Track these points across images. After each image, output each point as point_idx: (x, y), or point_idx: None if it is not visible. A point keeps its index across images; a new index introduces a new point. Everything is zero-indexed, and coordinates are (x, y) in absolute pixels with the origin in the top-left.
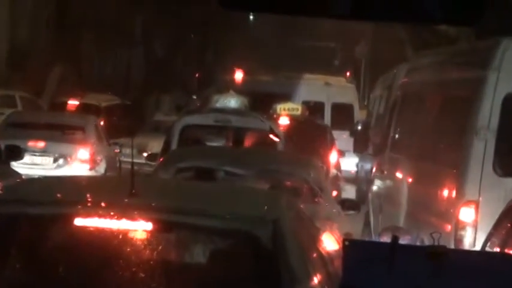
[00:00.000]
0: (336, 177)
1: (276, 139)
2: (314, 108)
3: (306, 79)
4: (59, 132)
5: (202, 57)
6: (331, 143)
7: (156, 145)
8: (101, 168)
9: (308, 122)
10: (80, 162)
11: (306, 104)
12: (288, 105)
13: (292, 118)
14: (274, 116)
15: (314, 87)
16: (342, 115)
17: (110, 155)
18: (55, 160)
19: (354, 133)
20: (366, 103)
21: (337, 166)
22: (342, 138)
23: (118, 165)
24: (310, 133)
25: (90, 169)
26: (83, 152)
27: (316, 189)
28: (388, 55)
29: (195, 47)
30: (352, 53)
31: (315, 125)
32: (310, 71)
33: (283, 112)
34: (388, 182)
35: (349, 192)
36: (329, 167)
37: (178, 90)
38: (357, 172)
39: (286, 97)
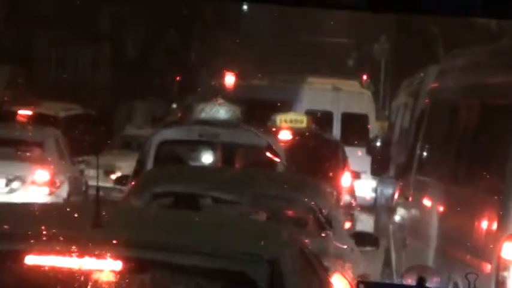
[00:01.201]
0: (349, 205)
1: (275, 158)
2: (320, 120)
3: (310, 83)
4: (12, 149)
5: (184, 57)
6: (343, 162)
7: (126, 165)
8: (63, 193)
9: (315, 136)
10: (37, 185)
11: (311, 114)
12: (290, 115)
13: (296, 132)
14: (273, 129)
15: (320, 93)
16: (355, 128)
17: (74, 176)
18: (7, 183)
19: (371, 151)
20: (386, 114)
21: (351, 191)
22: (356, 156)
23: (84, 188)
24: (318, 150)
25: (50, 194)
26: (41, 173)
27: (324, 219)
28: (414, 55)
29: (175, 44)
30: (370, 51)
31: (323, 141)
32: (317, 73)
33: (284, 124)
34: (414, 211)
35: (366, 223)
36: (340, 193)
37: (155, 97)
38: (375, 199)
39: (287, 106)
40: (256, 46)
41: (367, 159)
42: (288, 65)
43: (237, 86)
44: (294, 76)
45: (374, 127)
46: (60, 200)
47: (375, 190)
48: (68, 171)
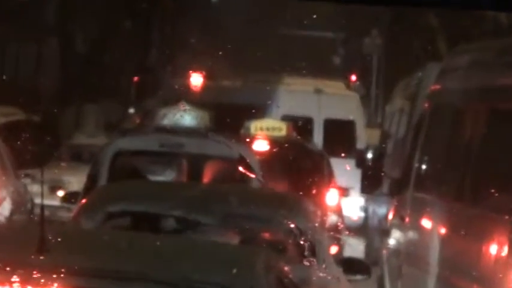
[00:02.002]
0: (336, 227)
1: (249, 172)
2: (299, 127)
3: (287, 84)
4: None
5: (143, 54)
6: (328, 177)
7: (76, 180)
8: (5, 211)
9: (296, 147)
10: None
11: (290, 121)
12: (267, 122)
13: (273, 142)
14: (247, 139)
15: (299, 96)
16: (340, 136)
17: (18, 191)
18: None
19: (361, 163)
20: (379, 120)
21: (338, 210)
22: (343, 170)
23: (30, 206)
24: (299, 163)
25: None
26: None
27: (306, 244)
28: (411, 51)
29: (132, 40)
30: (359, 47)
31: (305, 152)
32: (297, 72)
33: (259, 132)
34: (412, 234)
35: (355, 248)
36: (326, 212)
37: (109, 100)
38: (365, 219)
39: (260, 111)
40: (228, 41)
41: (356, 173)
42: (264, 62)
43: (204, 87)
44: (270, 76)
45: (363, 135)
46: (1, 220)
47: (366, 209)
48: (10, 186)
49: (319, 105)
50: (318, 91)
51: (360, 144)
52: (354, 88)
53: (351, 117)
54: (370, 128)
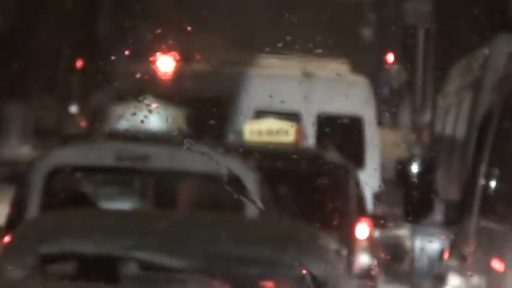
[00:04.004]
0: (368, 272)
1: (243, 195)
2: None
3: (263, 67)
4: None
5: (88, 28)
6: (357, 201)
7: None
8: None
9: (309, 158)
10: None
11: (260, 115)
12: (267, 124)
13: (277, 151)
14: (241, 149)
15: (280, 82)
16: (340, 139)
17: None
18: None
19: (403, 181)
20: (428, 118)
21: (371, 248)
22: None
23: None
24: (314, 182)
25: None
26: None
27: None
28: (472, 19)
29: (71, 8)
30: (399, 14)
31: (323, 165)
32: (310, 51)
33: (256, 138)
34: (477, 281)
35: None
36: (353, 251)
37: (41, 96)
38: (411, 260)
39: (227, 104)
40: (210, 5)
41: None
42: (266, 39)
43: (177, 73)
44: (246, 55)
45: (375, 139)
46: None
47: (411, 246)
48: None
49: (310, 95)
50: (308, 75)
51: (372, 152)
52: (397, 72)
53: (357, 112)
54: (394, 129)
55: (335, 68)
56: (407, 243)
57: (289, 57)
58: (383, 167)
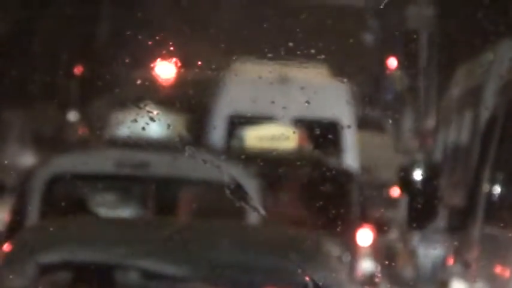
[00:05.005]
0: (371, 279)
1: (245, 202)
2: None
3: (239, 71)
4: None
5: (88, 33)
6: (360, 207)
7: None
8: None
9: (312, 164)
10: None
11: (234, 119)
12: (269, 129)
13: (279, 156)
14: (242, 155)
15: (255, 87)
16: (315, 145)
17: None
18: None
19: (406, 187)
20: (431, 124)
21: (374, 255)
22: None
23: None
24: (317, 188)
25: None
26: None
27: None
28: (475, 23)
29: (73, 13)
30: (401, 19)
31: (326, 171)
32: (306, 55)
33: (257, 144)
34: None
35: None
36: (356, 257)
37: (39, 102)
38: (414, 267)
39: (204, 110)
40: (212, 11)
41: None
42: (269, 42)
43: (178, 80)
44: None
45: (352, 144)
46: None
47: (414, 252)
48: None
49: (285, 99)
50: (283, 80)
51: (349, 157)
52: (399, 77)
53: (333, 116)
54: (377, 132)
55: (315, 74)
56: (411, 250)
57: (268, 63)
58: (365, 171)
